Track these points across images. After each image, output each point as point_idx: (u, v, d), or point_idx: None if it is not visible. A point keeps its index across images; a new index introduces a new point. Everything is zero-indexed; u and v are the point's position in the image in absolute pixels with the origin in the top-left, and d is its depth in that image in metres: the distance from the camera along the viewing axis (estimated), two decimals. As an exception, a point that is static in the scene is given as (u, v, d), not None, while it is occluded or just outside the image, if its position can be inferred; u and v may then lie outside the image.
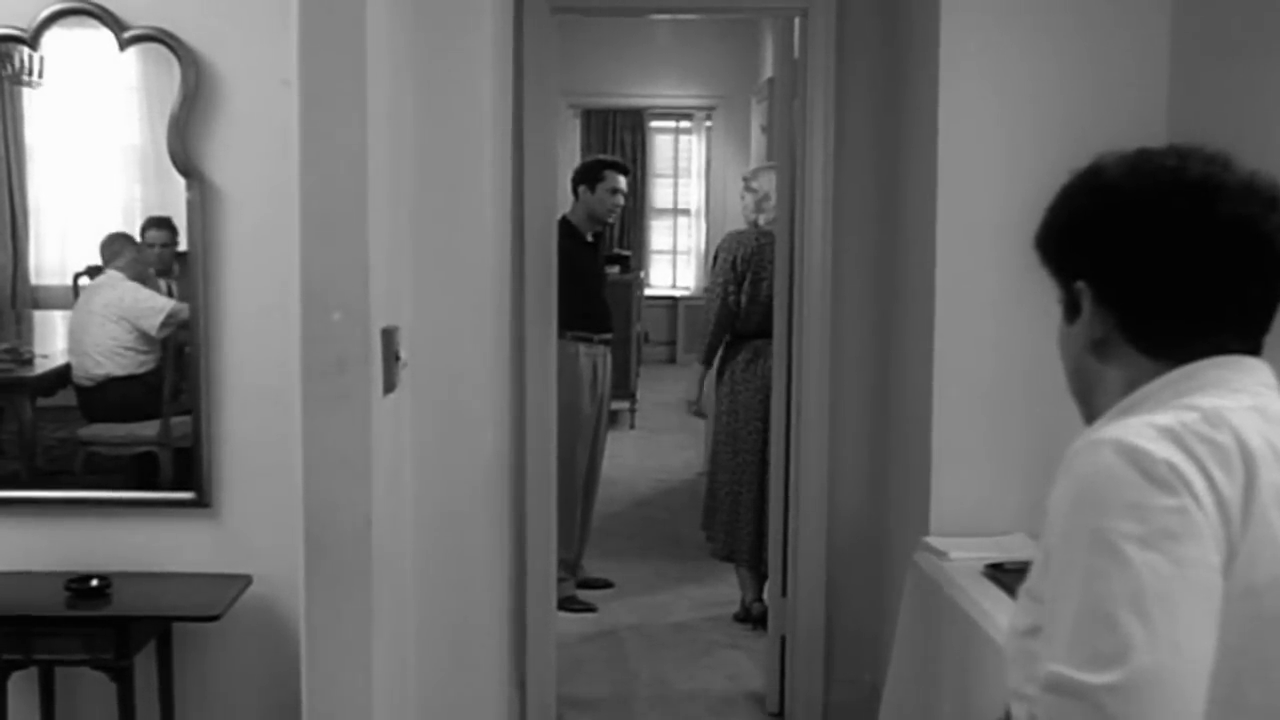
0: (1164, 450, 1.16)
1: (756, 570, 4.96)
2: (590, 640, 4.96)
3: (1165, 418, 1.21)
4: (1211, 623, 1.11)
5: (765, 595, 4.81)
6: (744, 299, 4.85)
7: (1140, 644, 1.08)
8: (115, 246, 3.41)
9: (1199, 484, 1.14)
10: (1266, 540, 1.15)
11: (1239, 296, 1.29)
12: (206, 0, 3.23)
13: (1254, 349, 1.31)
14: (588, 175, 5.35)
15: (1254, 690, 1.16)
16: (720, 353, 5.01)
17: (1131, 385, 1.32)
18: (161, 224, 3.35)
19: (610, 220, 5.51)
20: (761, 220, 4.91)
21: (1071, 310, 1.38)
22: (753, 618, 5.04)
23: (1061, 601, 1.15)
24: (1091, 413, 1.37)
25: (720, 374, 5.01)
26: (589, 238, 5.36)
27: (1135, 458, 1.16)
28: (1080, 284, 1.35)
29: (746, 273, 4.84)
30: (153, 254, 3.40)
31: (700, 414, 5.53)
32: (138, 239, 3.39)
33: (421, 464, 2.80)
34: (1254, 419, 1.22)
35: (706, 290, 5.18)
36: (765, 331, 4.61)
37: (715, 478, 5.12)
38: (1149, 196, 1.31)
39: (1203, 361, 1.28)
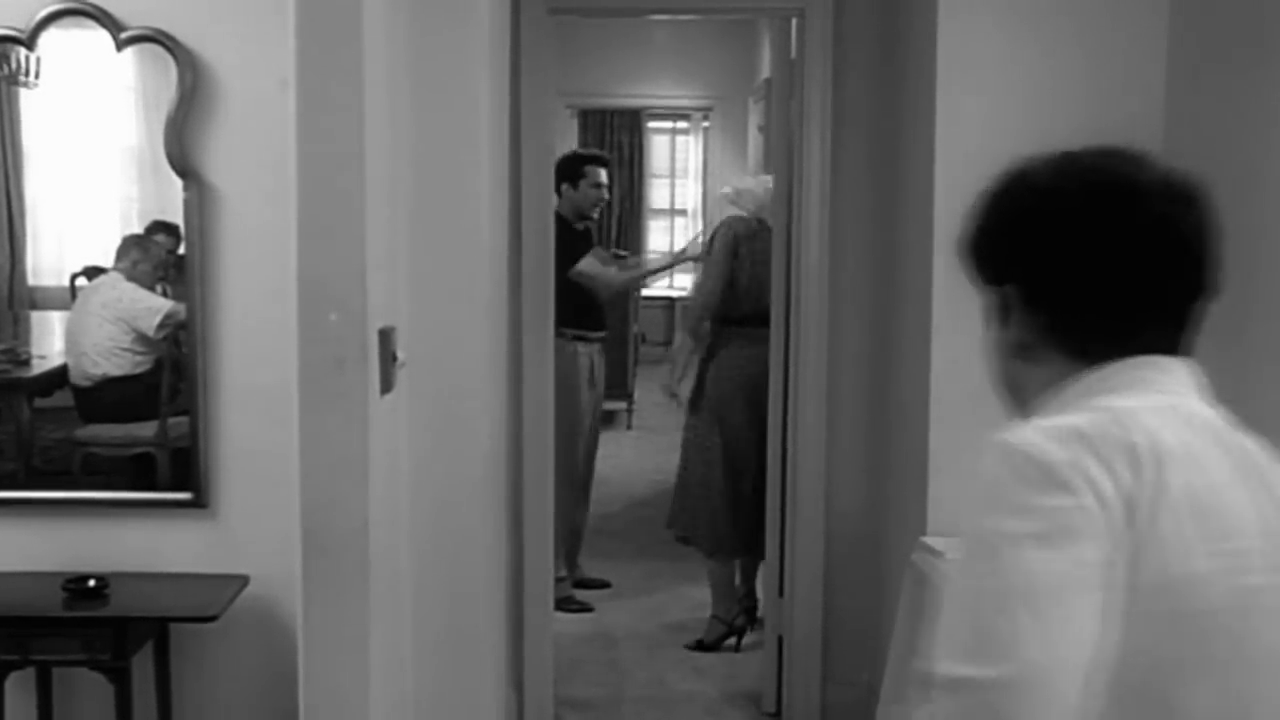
0: (1057, 450, 1.16)
1: (754, 558, 4.80)
2: (587, 641, 4.96)
3: (1071, 419, 1.21)
4: (1097, 617, 1.11)
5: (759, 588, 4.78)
6: (746, 280, 4.74)
7: (1029, 639, 1.08)
8: (125, 248, 3.42)
9: (1098, 482, 1.13)
10: (1175, 537, 1.14)
11: (1160, 296, 1.30)
12: (204, 1, 3.24)
13: (1177, 349, 1.31)
14: (569, 172, 5.28)
15: (1195, 690, 1.15)
16: (709, 340, 4.90)
17: (1057, 388, 1.31)
18: (165, 228, 3.36)
19: (595, 214, 5.50)
20: (748, 213, 4.86)
21: (998, 315, 1.37)
22: (735, 630, 4.86)
23: (951, 600, 1.15)
24: (1021, 416, 1.36)
25: (708, 361, 4.89)
26: (580, 229, 5.35)
27: (1025, 458, 1.16)
28: (1009, 287, 1.35)
29: (743, 251, 4.75)
30: (161, 256, 3.40)
31: (674, 395, 5.14)
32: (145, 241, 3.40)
33: (419, 464, 2.80)
34: (1169, 419, 1.22)
35: (703, 270, 5.04)
36: (756, 319, 4.54)
37: (687, 467, 4.96)
38: (1073, 198, 1.32)
39: (1121, 362, 1.28)
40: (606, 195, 5.49)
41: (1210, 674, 1.14)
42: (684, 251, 5.25)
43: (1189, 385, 1.29)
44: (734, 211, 4.93)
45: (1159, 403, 1.24)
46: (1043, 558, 1.10)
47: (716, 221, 5.19)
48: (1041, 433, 1.19)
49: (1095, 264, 1.29)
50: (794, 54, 4.07)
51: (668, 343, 11.40)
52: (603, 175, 5.37)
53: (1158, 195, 1.29)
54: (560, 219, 5.05)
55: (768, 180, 4.71)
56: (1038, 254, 1.33)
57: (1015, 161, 1.39)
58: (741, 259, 4.76)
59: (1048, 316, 1.32)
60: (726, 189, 5.18)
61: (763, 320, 4.36)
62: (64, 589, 3.08)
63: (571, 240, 5.06)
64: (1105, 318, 1.30)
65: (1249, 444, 1.26)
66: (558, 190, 5.29)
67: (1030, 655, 1.08)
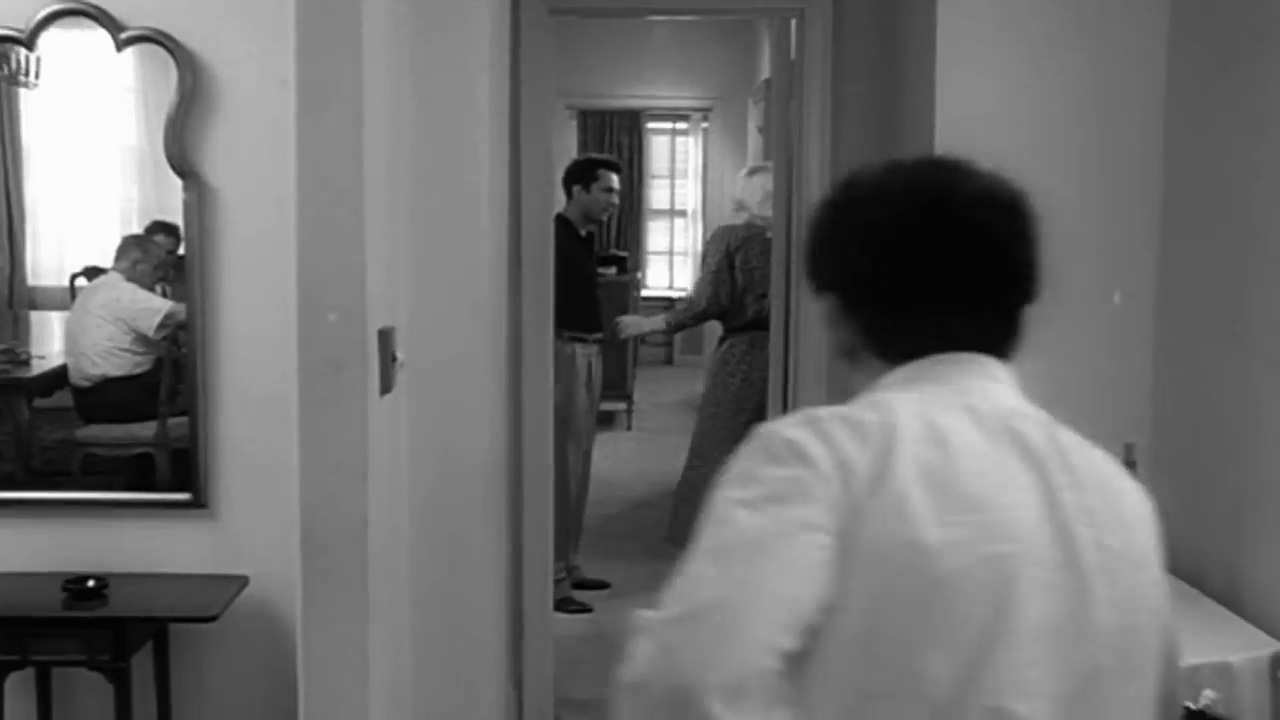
0: (787, 431, 1.23)
1: None
2: (587, 641, 4.96)
3: (826, 407, 1.27)
4: (801, 570, 1.14)
5: None
6: (740, 289, 4.83)
7: (707, 582, 1.14)
8: (125, 248, 3.42)
9: (817, 456, 1.18)
10: (900, 507, 1.17)
11: (971, 302, 1.33)
12: (204, 1, 3.24)
13: (992, 350, 1.33)
14: (581, 174, 5.33)
15: (928, 652, 1.17)
16: (716, 346, 4.97)
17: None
18: (165, 229, 3.36)
19: (604, 219, 5.51)
20: (748, 212, 4.90)
21: (829, 320, 1.41)
22: None
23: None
24: None
25: (713, 367, 4.97)
26: (583, 234, 5.37)
27: (760, 439, 1.24)
28: (832, 294, 1.38)
29: (737, 261, 4.84)
30: (161, 256, 3.40)
31: (613, 334, 5.37)
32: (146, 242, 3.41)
33: (418, 465, 2.81)
34: (935, 406, 1.25)
35: (697, 280, 5.11)
36: (758, 324, 4.59)
37: (690, 474, 5.00)
38: (885, 208, 1.35)
39: (921, 360, 1.32)
40: (616, 200, 5.50)
41: (943, 636, 1.16)
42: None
43: (990, 380, 1.31)
44: (742, 193, 5.01)
45: (936, 393, 1.28)
46: (748, 518, 1.16)
47: (716, 222, 5.22)
48: (785, 419, 1.26)
49: (902, 272, 1.32)
50: (794, 54, 4.07)
51: (667, 343, 11.41)
52: (615, 180, 5.38)
53: (974, 202, 1.33)
54: (566, 223, 5.07)
55: (765, 181, 4.74)
56: (850, 263, 1.37)
57: (850, 170, 1.43)
58: (737, 268, 4.81)
59: (863, 322, 1.36)
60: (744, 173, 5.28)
61: (767, 325, 4.40)
62: (63, 589, 3.08)
63: (574, 246, 5.06)
64: (916, 324, 1.33)
65: (1043, 435, 1.28)
66: (568, 192, 5.30)
67: (703, 595, 1.13)
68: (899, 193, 1.36)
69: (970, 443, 1.23)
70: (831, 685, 1.16)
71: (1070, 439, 1.29)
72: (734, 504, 1.18)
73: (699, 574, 1.16)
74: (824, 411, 1.25)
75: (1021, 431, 1.26)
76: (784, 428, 1.24)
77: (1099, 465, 1.29)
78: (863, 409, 1.25)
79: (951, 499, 1.18)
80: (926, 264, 1.31)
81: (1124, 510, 1.27)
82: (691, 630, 1.12)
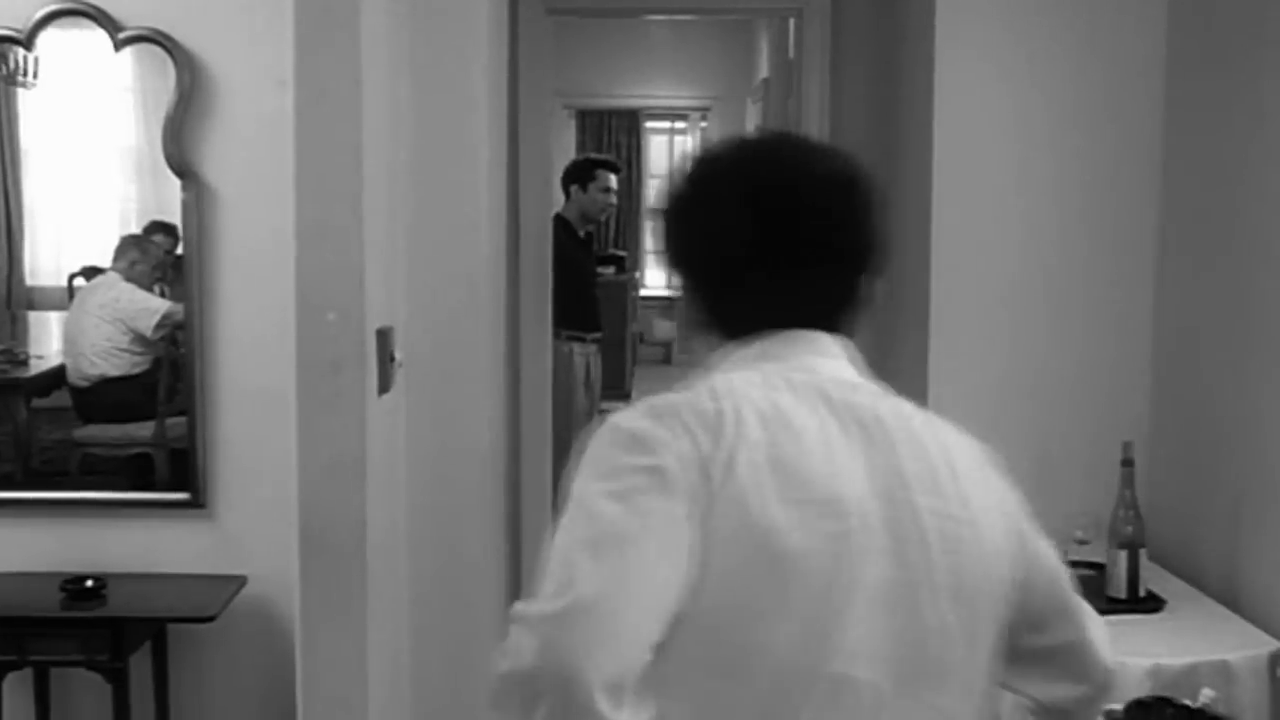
0: (642, 422, 1.25)
1: None
2: (586, 641, 4.95)
3: (668, 396, 1.29)
4: (670, 561, 1.18)
5: None
6: None
7: (584, 577, 1.15)
8: (123, 248, 3.42)
9: (674, 447, 1.21)
10: (752, 490, 1.20)
11: (811, 282, 1.36)
12: (202, 1, 3.23)
13: (827, 325, 1.38)
14: (579, 174, 5.33)
15: (775, 626, 1.21)
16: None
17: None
18: (163, 229, 3.36)
19: (602, 219, 5.51)
20: None
21: (682, 296, 1.44)
22: None
23: (546, 556, 1.22)
24: None
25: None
26: (581, 235, 5.37)
27: (616, 430, 1.26)
28: (678, 271, 1.42)
29: None
30: (159, 256, 3.40)
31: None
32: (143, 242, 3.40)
33: (417, 464, 2.80)
34: (774, 387, 1.29)
35: None
36: None
37: None
38: (725, 187, 1.37)
39: (756, 336, 1.35)
40: (614, 201, 5.49)
41: (789, 611, 1.20)
42: None
43: (826, 357, 1.36)
44: None
45: (772, 371, 1.31)
46: (614, 510, 1.19)
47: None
48: (636, 409, 1.28)
49: (739, 252, 1.34)
50: (792, 53, 4.07)
51: (667, 343, 11.41)
52: (613, 181, 5.37)
53: (802, 184, 1.35)
54: (564, 223, 5.07)
55: None
56: (694, 242, 1.40)
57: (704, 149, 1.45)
58: None
59: (707, 299, 1.39)
60: None
61: None
62: (62, 589, 3.08)
63: (572, 246, 5.06)
64: (754, 301, 1.36)
65: (877, 408, 1.32)
66: (566, 192, 5.30)
67: (583, 591, 1.15)
68: (738, 173, 1.38)
69: (807, 423, 1.26)
70: (687, 668, 1.19)
71: (904, 409, 1.34)
72: (600, 496, 1.20)
73: (576, 567, 1.17)
74: (670, 401, 1.28)
75: (856, 405, 1.30)
76: (634, 419, 1.26)
77: (935, 434, 1.33)
78: (706, 397, 1.27)
79: (792, 479, 1.22)
80: (762, 244, 1.33)
81: (961, 475, 1.30)
82: (572, 627, 1.14)
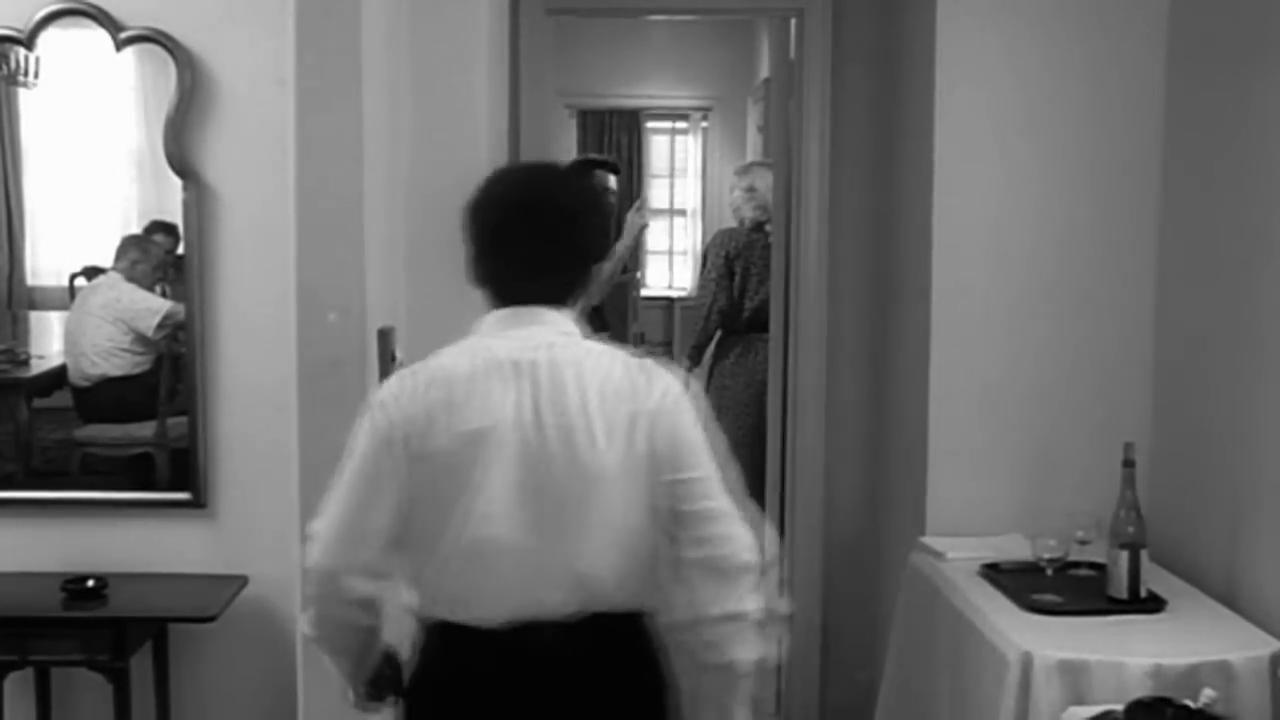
0: (380, 389, 1.97)
1: None
2: (586, 641, 4.95)
3: (400, 371, 2.04)
4: (395, 488, 1.86)
5: None
6: (736, 294, 4.84)
7: (340, 502, 1.88)
8: (124, 248, 3.42)
9: (390, 406, 1.88)
10: (432, 428, 1.85)
11: (528, 272, 1.93)
12: (203, 1, 3.24)
13: (542, 300, 1.93)
14: None
15: (441, 514, 1.87)
16: (711, 349, 4.97)
17: None
18: (164, 228, 3.36)
19: None
20: (748, 215, 4.91)
21: None
22: None
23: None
24: None
25: (710, 371, 4.97)
26: None
27: (370, 397, 1.95)
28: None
29: (737, 268, 4.85)
30: (160, 256, 3.40)
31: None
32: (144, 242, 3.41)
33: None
34: (464, 352, 1.91)
35: (699, 289, 5.14)
36: (755, 326, 4.60)
37: None
38: (477, 201, 1.95)
39: (501, 308, 1.94)
40: (614, 201, 5.47)
41: (446, 501, 1.85)
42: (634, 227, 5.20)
43: (535, 325, 1.91)
44: (736, 194, 5.01)
45: (470, 343, 1.92)
46: (362, 456, 1.88)
47: (716, 221, 5.22)
48: (390, 380, 2.00)
49: (481, 249, 1.95)
50: (793, 54, 4.07)
51: (668, 342, 11.42)
52: (612, 181, 5.35)
53: (511, 203, 1.95)
54: None
55: (753, 179, 4.77)
56: (468, 238, 1.96)
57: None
58: (737, 275, 4.82)
59: (475, 281, 1.97)
60: (738, 168, 5.24)
61: (765, 327, 4.40)
62: (63, 589, 3.08)
63: None
64: (495, 284, 1.95)
65: (547, 358, 1.88)
66: None
67: (340, 511, 1.88)
68: (478, 194, 1.95)
69: (475, 373, 1.87)
70: (408, 550, 1.90)
71: (572, 355, 1.90)
72: (356, 446, 1.88)
73: (337, 496, 1.88)
74: (407, 370, 1.95)
75: (522, 360, 1.87)
76: (377, 390, 1.96)
77: (580, 374, 1.87)
78: (427, 361, 1.92)
79: (455, 417, 1.85)
80: (488, 248, 1.94)
81: (590, 401, 1.85)
82: (333, 534, 1.88)
